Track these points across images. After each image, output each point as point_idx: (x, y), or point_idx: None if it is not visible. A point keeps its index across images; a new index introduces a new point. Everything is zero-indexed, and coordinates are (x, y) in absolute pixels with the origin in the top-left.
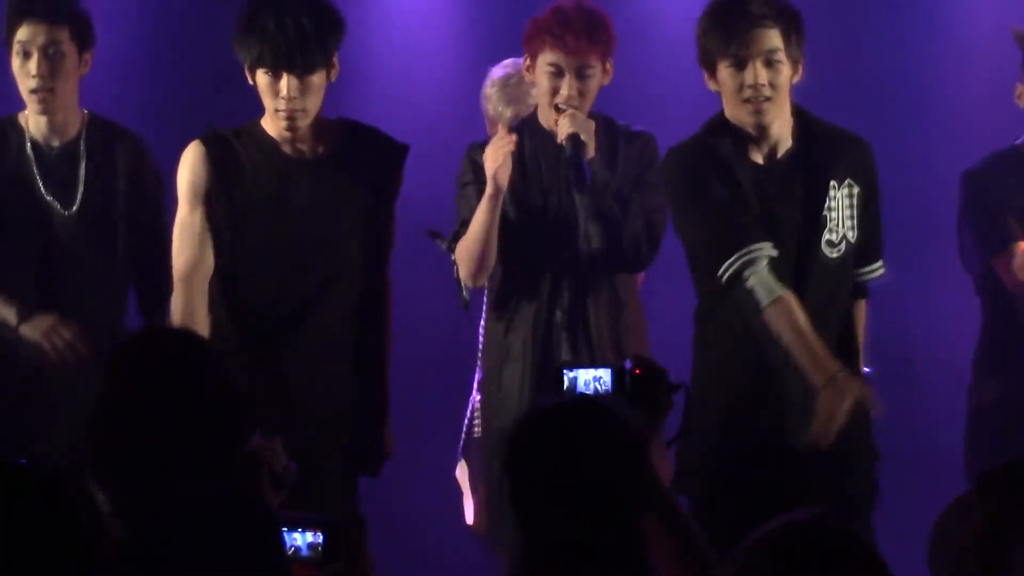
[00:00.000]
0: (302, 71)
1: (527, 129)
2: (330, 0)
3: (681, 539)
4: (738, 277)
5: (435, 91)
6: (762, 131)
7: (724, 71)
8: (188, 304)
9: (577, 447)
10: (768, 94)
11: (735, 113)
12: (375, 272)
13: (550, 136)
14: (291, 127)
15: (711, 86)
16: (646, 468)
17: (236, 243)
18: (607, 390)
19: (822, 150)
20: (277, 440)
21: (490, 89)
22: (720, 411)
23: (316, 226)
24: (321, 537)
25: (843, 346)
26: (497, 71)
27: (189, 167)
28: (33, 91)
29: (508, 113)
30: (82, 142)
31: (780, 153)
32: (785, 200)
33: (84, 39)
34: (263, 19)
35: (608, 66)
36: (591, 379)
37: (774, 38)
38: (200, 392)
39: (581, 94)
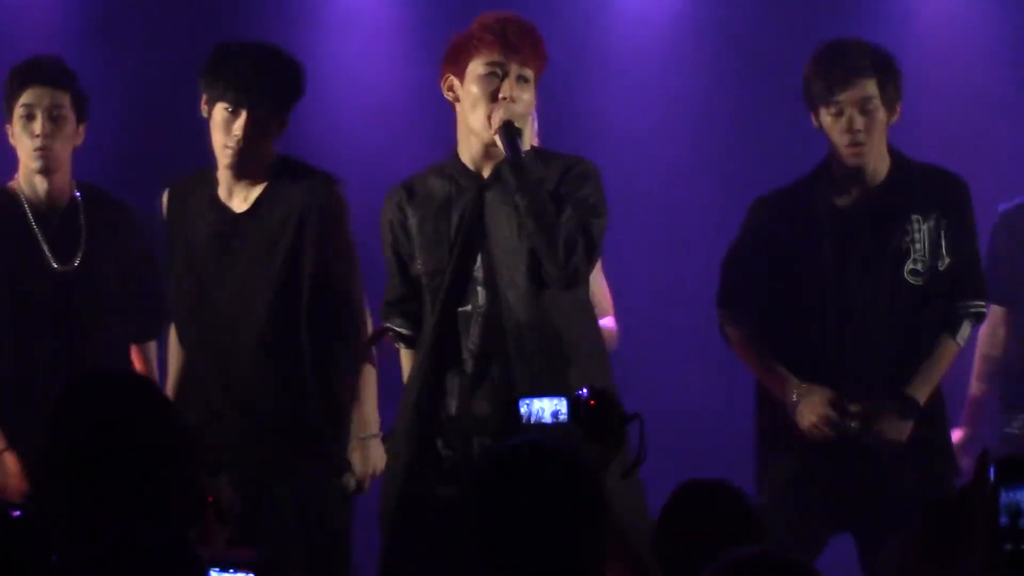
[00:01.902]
0: (257, 114)
1: (433, 173)
2: (297, 59)
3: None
4: None
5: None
6: (859, 171)
7: (825, 116)
8: (175, 354)
9: (533, 493)
10: (863, 140)
11: (836, 152)
12: (333, 303)
13: (467, 173)
14: (232, 163)
15: (815, 124)
16: (601, 508)
17: (185, 299)
18: (564, 420)
19: (908, 186)
20: (222, 476)
21: None
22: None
23: (252, 270)
24: None
25: (917, 374)
26: None
27: (163, 212)
28: (37, 149)
29: None
30: (81, 204)
31: (872, 192)
32: (866, 233)
33: (82, 109)
34: (234, 59)
35: (535, 92)
36: (549, 408)
37: (869, 87)
38: (142, 433)
39: (518, 102)
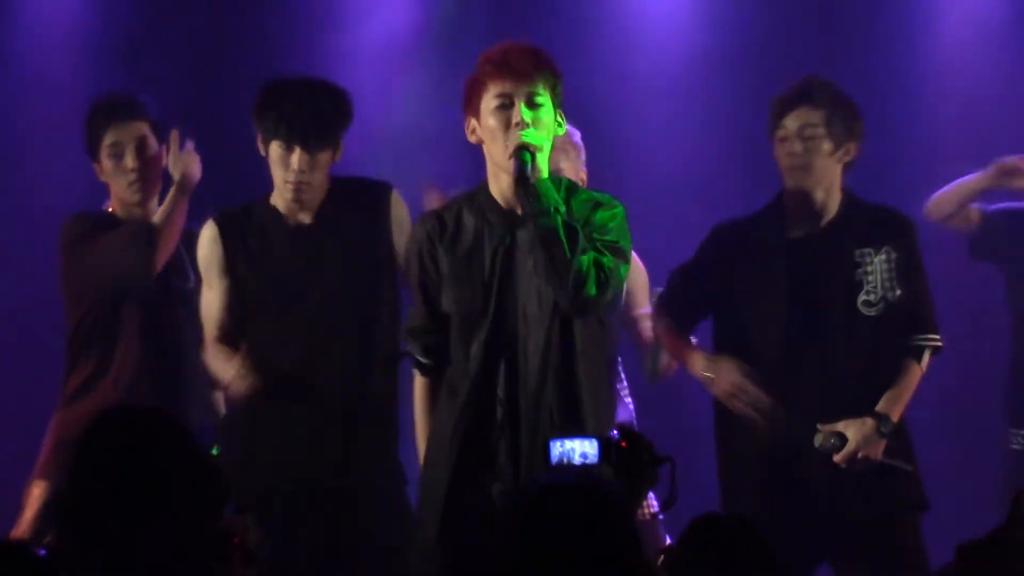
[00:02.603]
0: (312, 147)
1: (464, 207)
2: (342, 88)
3: None
4: None
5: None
6: (800, 195)
7: (775, 144)
8: (224, 360)
9: (570, 532)
10: (800, 163)
11: (786, 184)
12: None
13: (498, 210)
14: (296, 198)
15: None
16: (634, 547)
17: (259, 310)
18: (594, 461)
19: (860, 222)
20: (249, 516)
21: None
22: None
23: (332, 283)
24: None
25: (886, 394)
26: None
27: (204, 244)
28: (131, 183)
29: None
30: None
31: (821, 226)
32: (820, 266)
33: (162, 135)
34: (282, 96)
35: (559, 116)
36: (579, 449)
37: (812, 116)
38: (170, 470)
39: (535, 124)
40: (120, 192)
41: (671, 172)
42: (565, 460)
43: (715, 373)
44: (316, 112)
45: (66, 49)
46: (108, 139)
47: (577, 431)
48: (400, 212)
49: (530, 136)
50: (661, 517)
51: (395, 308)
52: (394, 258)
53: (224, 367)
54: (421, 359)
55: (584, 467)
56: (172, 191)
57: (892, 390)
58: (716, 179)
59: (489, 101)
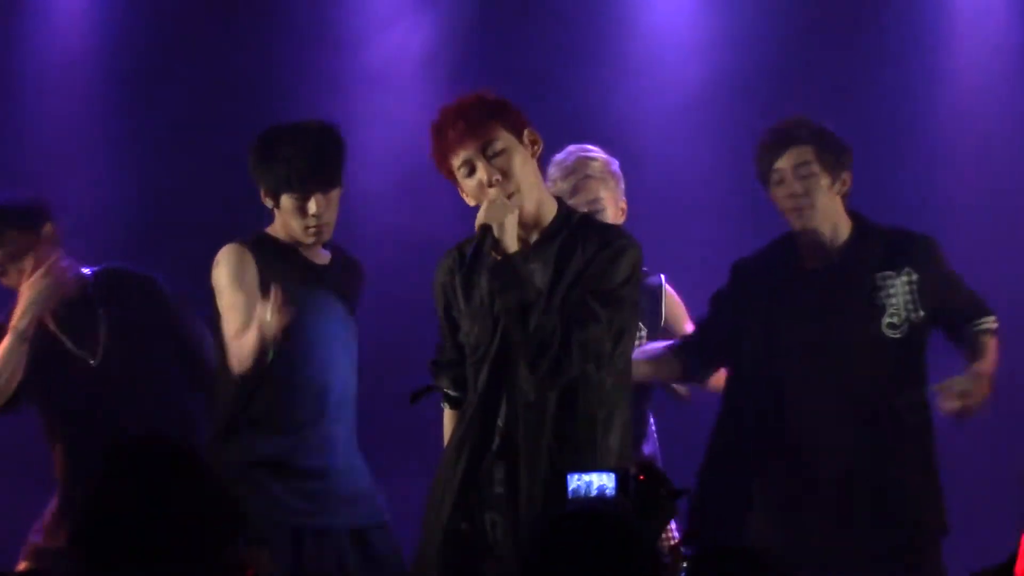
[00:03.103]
0: (327, 188)
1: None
2: (333, 124)
3: None
4: None
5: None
6: (809, 234)
7: (772, 189)
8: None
9: (595, 557)
10: (803, 204)
11: (789, 221)
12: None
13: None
14: (318, 241)
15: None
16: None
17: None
18: (611, 494)
19: (876, 247)
20: (264, 550)
21: (552, 170)
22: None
23: (331, 322)
24: None
25: (914, 408)
26: (558, 156)
27: (235, 263)
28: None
29: (566, 186)
30: (90, 291)
31: (836, 256)
32: (839, 293)
33: (37, 226)
34: (282, 147)
35: (528, 137)
36: (597, 483)
37: (806, 154)
38: (186, 501)
39: (504, 173)
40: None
41: (691, 192)
42: (582, 492)
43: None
44: (321, 155)
45: (72, 74)
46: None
47: (582, 467)
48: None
49: (493, 208)
50: (684, 551)
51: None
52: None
53: (259, 313)
54: (450, 392)
55: (601, 498)
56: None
57: (980, 361)
58: (733, 198)
59: (454, 168)
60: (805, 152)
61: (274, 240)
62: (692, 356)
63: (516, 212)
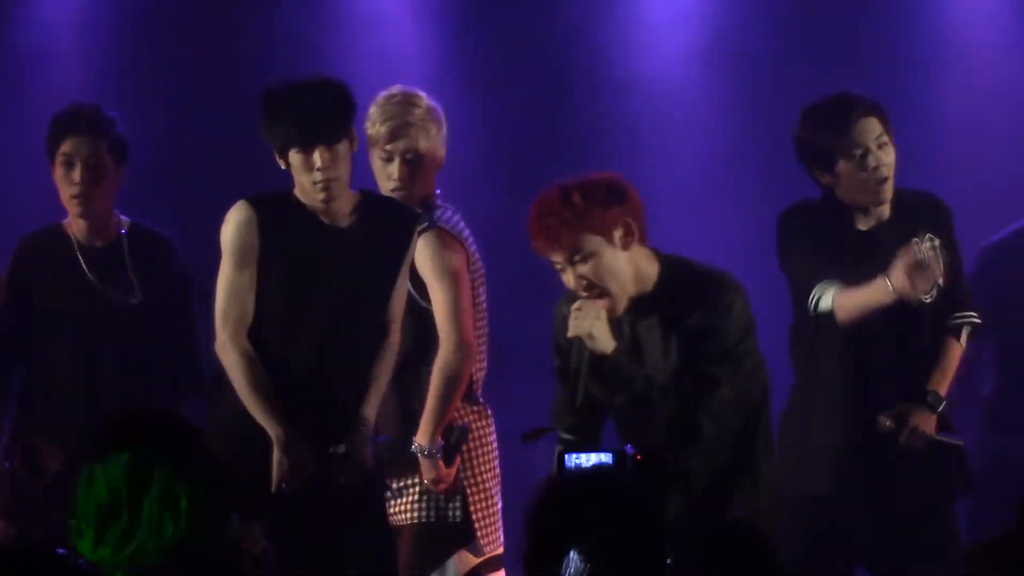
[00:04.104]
0: (330, 141)
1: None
2: (339, 79)
3: None
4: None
5: None
6: (880, 205)
7: (845, 164)
8: (242, 358)
9: (602, 513)
10: (887, 174)
11: (855, 197)
12: (390, 328)
13: None
14: (328, 197)
15: (823, 180)
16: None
17: (282, 304)
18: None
19: (910, 214)
20: (256, 524)
21: (372, 110)
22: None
23: (352, 289)
24: None
25: (935, 369)
26: (382, 94)
27: (238, 227)
28: (74, 196)
29: (383, 129)
30: (124, 242)
31: (881, 220)
32: (886, 259)
33: (120, 154)
34: (285, 104)
35: (618, 232)
36: (594, 462)
37: (876, 124)
38: (179, 473)
39: (591, 277)
40: (65, 203)
41: (689, 172)
42: None
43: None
44: (323, 107)
45: (63, 62)
46: (63, 148)
47: None
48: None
49: (580, 321)
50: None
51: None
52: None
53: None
54: (564, 435)
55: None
56: None
57: (936, 368)
58: (732, 178)
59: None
60: (874, 122)
61: (294, 201)
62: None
63: (604, 317)
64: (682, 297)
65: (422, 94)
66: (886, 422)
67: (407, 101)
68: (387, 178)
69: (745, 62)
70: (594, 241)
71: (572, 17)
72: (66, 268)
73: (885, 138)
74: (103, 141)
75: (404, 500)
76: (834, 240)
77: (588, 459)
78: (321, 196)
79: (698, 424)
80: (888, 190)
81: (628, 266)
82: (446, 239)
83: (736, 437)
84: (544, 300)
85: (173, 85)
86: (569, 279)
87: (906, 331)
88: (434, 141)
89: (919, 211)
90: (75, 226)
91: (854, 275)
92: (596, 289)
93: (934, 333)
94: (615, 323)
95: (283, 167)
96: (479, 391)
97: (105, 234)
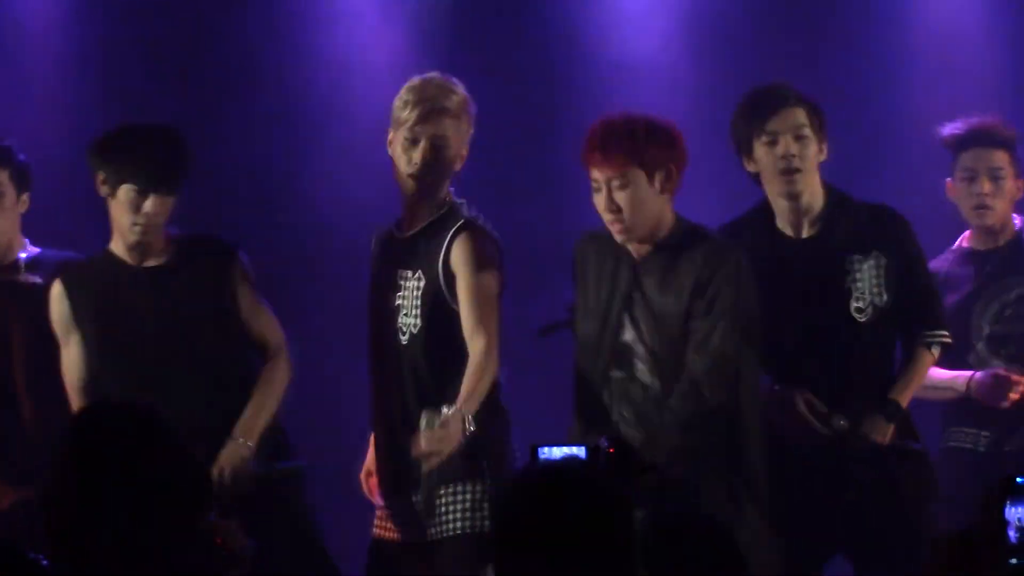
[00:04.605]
0: (165, 192)
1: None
2: (182, 136)
3: None
4: None
5: None
6: (793, 199)
7: (760, 149)
8: None
9: (568, 505)
10: (798, 165)
11: (771, 187)
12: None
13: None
14: (144, 240)
15: (749, 168)
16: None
17: (109, 353)
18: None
19: (848, 227)
20: (234, 520)
21: (404, 93)
22: None
23: (171, 324)
24: None
25: (883, 392)
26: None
27: (51, 304)
28: None
29: (413, 114)
30: (22, 267)
31: (810, 229)
32: (813, 274)
33: (22, 181)
34: (133, 141)
35: (660, 178)
36: (566, 455)
37: (800, 116)
38: (157, 467)
39: (622, 207)
40: None
41: None
42: None
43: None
44: (168, 158)
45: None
46: None
47: None
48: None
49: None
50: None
51: (232, 355)
52: (230, 313)
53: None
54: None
55: (570, 458)
56: None
57: (902, 378)
58: (717, 163)
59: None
60: (800, 114)
61: (103, 255)
62: None
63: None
64: (689, 251)
65: (459, 84)
66: (839, 421)
67: (445, 87)
68: (407, 162)
69: (728, 47)
70: (638, 175)
71: (554, 7)
72: None
73: (807, 131)
74: (3, 170)
75: (446, 513)
76: (759, 252)
77: (561, 452)
78: (136, 239)
79: (688, 361)
80: (798, 185)
81: (655, 208)
82: (486, 236)
83: (722, 401)
84: (544, 301)
85: (147, 85)
86: (600, 200)
87: (835, 348)
88: (463, 136)
89: (861, 227)
90: None
91: (776, 288)
92: (621, 215)
93: (874, 349)
94: (620, 263)
95: (101, 194)
96: (499, 395)
97: (4, 259)
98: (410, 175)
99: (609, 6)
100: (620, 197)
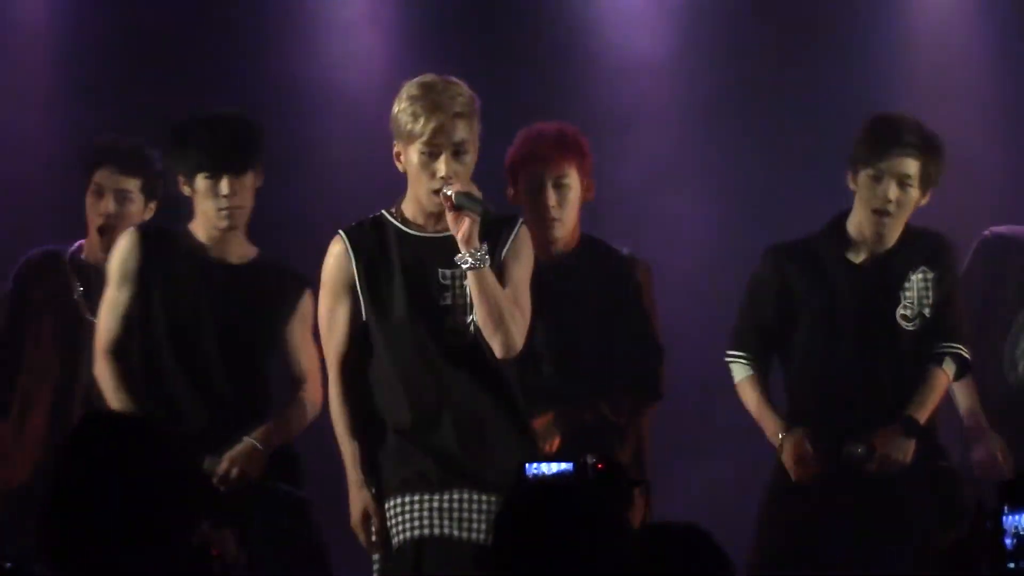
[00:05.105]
0: (238, 171)
1: None
2: (249, 115)
3: None
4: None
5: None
6: (878, 240)
7: (864, 178)
8: (114, 375)
9: (564, 521)
10: (892, 211)
11: (860, 216)
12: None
13: None
14: (230, 224)
15: (850, 185)
16: (627, 538)
17: (154, 330)
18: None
19: (907, 248)
20: (227, 531)
21: (405, 92)
22: None
23: (230, 323)
24: None
25: (915, 395)
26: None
27: (122, 251)
28: (100, 228)
29: (430, 124)
30: None
31: (875, 255)
32: (875, 290)
33: (153, 191)
34: (196, 132)
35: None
36: (555, 471)
37: (911, 166)
38: (151, 476)
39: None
40: (90, 226)
41: (659, 165)
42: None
43: (785, 443)
44: (233, 138)
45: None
46: (95, 177)
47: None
48: (307, 310)
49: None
50: None
51: (264, 376)
52: (280, 337)
53: (112, 398)
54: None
55: (560, 475)
56: None
57: (917, 392)
58: (704, 172)
59: (537, 180)
60: (910, 164)
61: (184, 233)
62: (750, 349)
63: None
64: (596, 259)
65: (459, 80)
66: (856, 449)
67: (450, 90)
68: (431, 176)
69: (728, 47)
70: (578, 179)
71: (548, 4)
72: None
73: (913, 181)
74: (135, 178)
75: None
76: (816, 274)
77: (549, 468)
78: (223, 224)
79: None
80: (888, 227)
81: (576, 212)
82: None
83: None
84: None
85: (140, 95)
86: (549, 196)
87: (878, 358)
88: (477, 132)
89: (913, 246)
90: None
91: (833, 305)
92: (559, 213)
93: (916, 362)
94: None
95: (187, 193)
96: None
97: None
98: (435, 190)
99: (609, 6)
100: (562, 197)
